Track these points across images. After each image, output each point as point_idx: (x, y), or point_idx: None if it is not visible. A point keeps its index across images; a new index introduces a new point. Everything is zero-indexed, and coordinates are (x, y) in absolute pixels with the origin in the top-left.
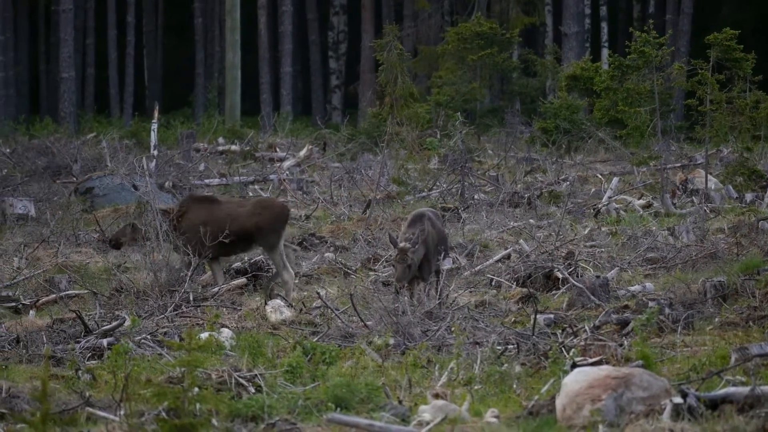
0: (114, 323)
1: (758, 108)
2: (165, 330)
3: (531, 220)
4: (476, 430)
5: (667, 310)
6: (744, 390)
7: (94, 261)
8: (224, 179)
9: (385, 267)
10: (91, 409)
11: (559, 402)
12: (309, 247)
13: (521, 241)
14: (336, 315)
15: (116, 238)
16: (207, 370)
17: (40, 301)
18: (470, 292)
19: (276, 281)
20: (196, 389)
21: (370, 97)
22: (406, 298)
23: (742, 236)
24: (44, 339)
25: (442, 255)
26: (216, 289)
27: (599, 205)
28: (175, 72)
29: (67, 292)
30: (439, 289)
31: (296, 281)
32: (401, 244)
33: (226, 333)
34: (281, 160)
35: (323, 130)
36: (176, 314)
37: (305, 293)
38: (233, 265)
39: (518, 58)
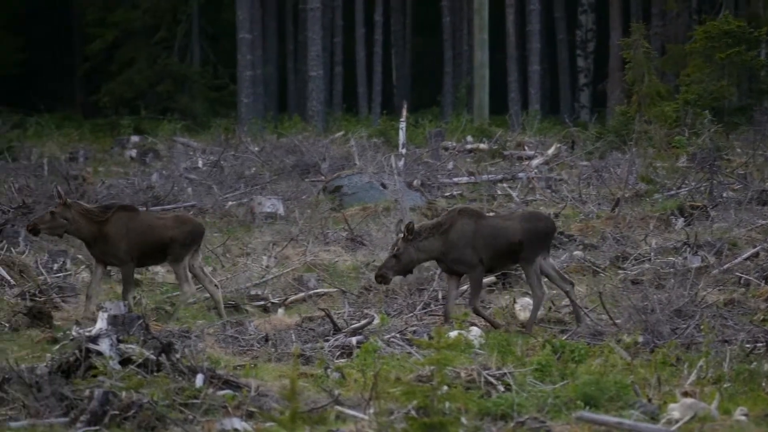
0: (363, 321)
1: None
2: (414, 328)
3: None
4: (725, 429)
5: None
6: None
7: (342, 259)
8: (473, 177)
9: (633, 265)
10: (340, 408)
11: None
12: (557, 245)
13: None
14: (585, 313)
15: (35, 225)
16: (456, 369)
17: (289, 300)
18: (719, 290)
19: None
20: (445, 387)
21: (618, 96)
22: (656, 296)
23: None
24: (293, 337)
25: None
26: (465, 287)
27: None
28: (423, 71)
29: (315, 291)
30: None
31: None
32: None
33: (475, 331)
34: (530, 158)
35: (571, 128)
36: (425, 312)
37: (554, 291)
38: None
39: (766, 56)
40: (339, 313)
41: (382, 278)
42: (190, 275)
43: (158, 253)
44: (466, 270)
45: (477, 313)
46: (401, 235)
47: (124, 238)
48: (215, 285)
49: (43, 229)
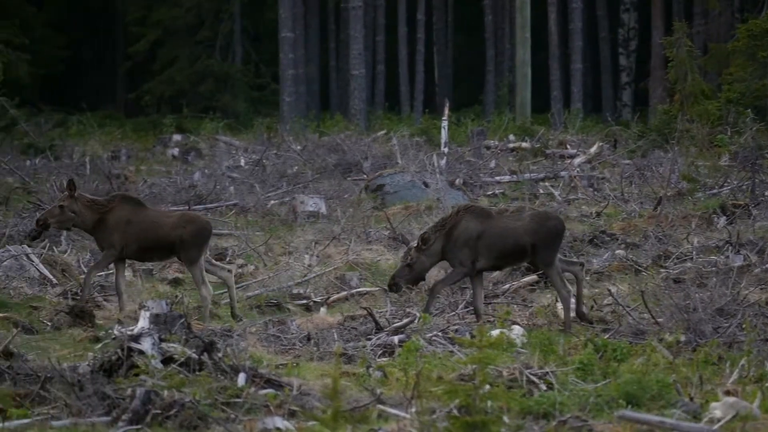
0: (405, 320)
1: None
2: (456, 327)
3: None
4: (767, 428)
5: None
6: None
7: (384, 258)
8: (515, 176)
9: (675, 264)
10: (382, 407)
11: None
12: (599, 244)
13: None
14: (627, 312)
15: (45, 219)
16: (498, 368)
17: (331, 299)
18: (761, 288)
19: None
20: (488, 386)
21: (661, 94)
22: (698, 295)
23: None
24: (335, 336)
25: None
26: (507, 285)
27: None
28: (465, 69)
29: (358, 290)
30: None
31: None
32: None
33: (517, 330)
34: (572, 157)
35: (614, 126)
36: (467, 311)
37: (596, 290)
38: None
39: None
40: (381, 312)
41: (395, 287)
42: (206, 277)
43: (162, 251)
44: (454, 264)
45: (431, 294)
46: (414, 244)
47: (121, 229)
48: (228, 270)
49: (53, 223)
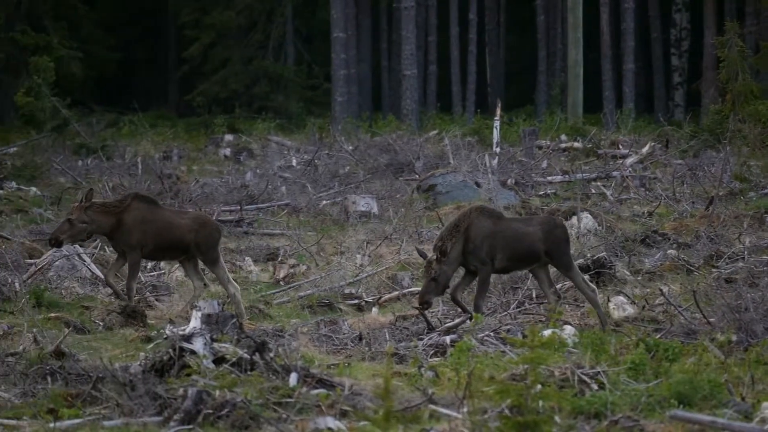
0: (457, 320)
1: None
2: (508, 327)
3: None
4: None
5: None
6: None
7: None
8: (567, 176)
9: (727, 264)
10: (433, 407)
11: None
12: (651, 243)
13: None
14: (679, 312)
15: (56, 237)
16: (550, 367)
17: (383, 299)
18: None
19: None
20: (539, 386)
21: (713, 94)
22: (750, 295)
23: None
24: (387, 336)
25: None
26: (558, 285)
27: None
28: (517, 69)
29: (410, 289)
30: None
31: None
32: (429, 256)
33: (568, 330)
34: (624, 157)
35: (666, 126)
36: (519, 311)
37: (648, 290)
38: (576, 261)
39: None
40: (433, 312)
41: (426, 304)
42: (229, 274)
43: (176, 251)
44: (475, 265)
45: (477, 310)
46: (434, 256)
47: (138, 228)
48: (204, 284)
49: (65, 239)
